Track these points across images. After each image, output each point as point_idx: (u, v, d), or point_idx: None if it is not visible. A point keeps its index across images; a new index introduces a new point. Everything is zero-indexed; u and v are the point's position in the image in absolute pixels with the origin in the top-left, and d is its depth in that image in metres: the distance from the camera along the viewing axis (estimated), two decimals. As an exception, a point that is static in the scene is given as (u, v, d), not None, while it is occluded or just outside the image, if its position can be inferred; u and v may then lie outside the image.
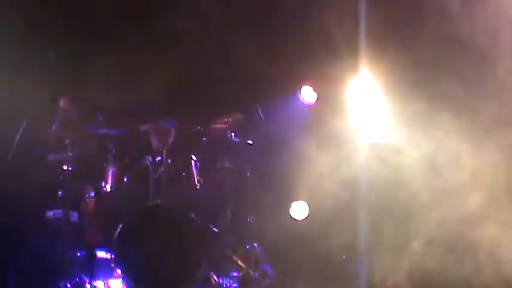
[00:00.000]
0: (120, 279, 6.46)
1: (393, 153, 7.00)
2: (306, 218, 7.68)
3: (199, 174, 7.15)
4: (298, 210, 7.72)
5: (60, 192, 6.79)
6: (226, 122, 7.33)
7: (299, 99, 7.98)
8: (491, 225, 6.38)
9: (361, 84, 7.34)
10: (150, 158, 6.95)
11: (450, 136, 6.58)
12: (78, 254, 6.73)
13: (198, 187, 7.09)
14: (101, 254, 6.68)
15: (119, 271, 6.43)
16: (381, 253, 6.48)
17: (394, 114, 6.94)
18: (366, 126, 7.19)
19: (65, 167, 6.77)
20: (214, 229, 7.16)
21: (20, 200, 6.82)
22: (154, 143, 7.18)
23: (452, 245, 6.46)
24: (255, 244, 7.26)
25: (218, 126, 7.37)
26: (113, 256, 6.48)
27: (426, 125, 6.68)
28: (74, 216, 6.85)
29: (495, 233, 6.35)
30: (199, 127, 7.37)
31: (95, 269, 6.49)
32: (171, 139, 7.26)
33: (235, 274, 7.00)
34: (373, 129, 7.11)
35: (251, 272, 7.03)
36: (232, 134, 7.37)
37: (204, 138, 7.41)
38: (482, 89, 6.65)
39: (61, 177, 6.80)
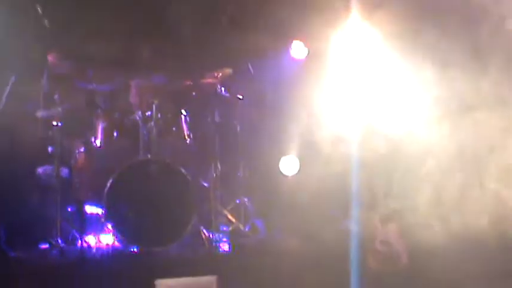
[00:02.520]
0: (111, 234, 6.51)
1: (389, 110, 6.98)
2: (296, 173, 7.73)
3: (189, 129, 7.14)
4: (289, 165, 7.75)
5: (49, 148, 6.78)
6: (216, 77, 7.29)
7: (290, 54, 7.96)
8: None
9: (354, 40, 7.28)
10: (140, 113, 6.92)
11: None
12: (69, 210, 6.78)
13: (188, 142, 7.08)
14: (91, 209, 6.73)
15: (109, 226, 6.47)
16: (371, 211, 6.49)
17: (386, 73, 6.89)
18: (358, 82, 7.14)
19: (54, 123, 6.72)
20: (204, 184, 7.20)
21: (10, 157, 6.82)
22: (144, 97, 7.16)
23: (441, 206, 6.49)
24: (245, 199, 7.31)
25: (208, 81, 7.33)
26: (103, 211, 6.50)
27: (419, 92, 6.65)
28: (64, 172, 6.85)
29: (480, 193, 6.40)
30: (189, 82, 7.33)
31: (86, 224, 6.53)
32: (160, 94, 7.26)
33: (225, 228, 7.06)
34: (366, 85, 7.06)
35: (241, 226, 7.10)
36: (222, 89, 7.34)
37: (193, 93, 7.38)
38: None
39: (50, 133, 6.76)
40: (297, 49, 7.88)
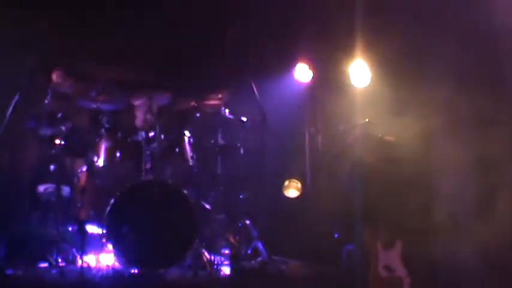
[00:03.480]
0: (112, 255, 6.43)
1: (387, 133, 6.99)
2: (298, 195, 7.70)
3: (192, 150, 7.11)
4: (291, 188, 7.73)
5: (52, 167, 6.74)
6: (220, 99, 7.28)
7: (294, 77, 7.98)
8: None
9: (357, 65, 7.30)
10: (143, 133, 6.90)
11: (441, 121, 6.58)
12: (70, 229, 6.74)
13: (190, 163, 7.05)
14: (93, 229, 6.67)
15: (110, 246, 6.40)
16: (375, 235, 6.45)
17: (388, 96, 6.90)
18: (360, 106, 7.15)
19: (57, 141, 6.71)
20: (207, 206, 7.17)
21: (12, 174, 6.82)
22: (148, 118, 7.15)
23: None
24: (247, 221, 7.26)
25: (212, 102, 7.31)
26: (104, 231, 6.44)
27: (422, 107, 6.65)
28: (66, 191, 6.83)
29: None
30: (193, 103, 7.32)
31: (86, 244, 6.46)
32: (164, 114, 7.26)
33: (226, 251, 7.01)
34: (369, 109, 7.07)
35: (243, 249, 7.04)
36: (226, 111, 7.33)
37: (197, 114, 7.37)
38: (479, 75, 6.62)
39: (53, 152, 6.74)
40: (302, 72, 7.91)
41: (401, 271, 6.29)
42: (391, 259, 6.32)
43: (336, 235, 7.11)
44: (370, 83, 7.32)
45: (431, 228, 6.45)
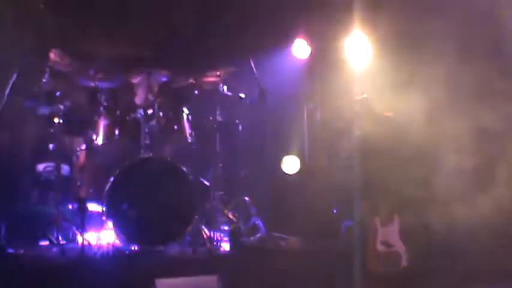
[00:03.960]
0: (112, 232, 6.47)
1: (386, 108, 6.99)
2: (297, 172, 7.72)
3: (191, 128, 7.11)
4: (290, 164, 7.75)
5: (51, 146, 6.76)
6: (218, 76, 7.25)
7: (292, 53, 7.95)
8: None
9: (355, 40, 7.27)
10: (142, 111, 6.90)
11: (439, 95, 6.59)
12: (70, 207, 6.76)
13: (189, 140, 7.05)
14: (92, 206, 6.70)
15: (110, 224, 6.43)
16: (373, 211, 6.49)
17: (388, 72, 6.89)
18: (358, 82, 7.14)
19: (56, 120, 6.73)
20: (206, 183, 7.19)
21: (11, 153, 6.82)
22: (146, 95, 7.15)
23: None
24: (246, 198, 7.29)
25: (210, 79, 7.30)
26: (104, 209, 6.47)
27: (418, 84, 6.65)
28: (65, 169, 6.85)
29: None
30: (191, 80, 7.30)
31: (86, 221, 6.47)
32: (162, 92, 7.25)
33: (226, 227, 7.04)
34: (367, 85, 7.06)
35: (242, 225, 7.08)
36: (225, 88, 7.32)
37: (196, 92, 7.36)
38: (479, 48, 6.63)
39: (52, 130, 6.75)
40: (300, 48, 7.88)
41: (399, 246, 6.34)
42: (389, 235, 6.36)
43: (334, 211, 7.15)
44: (368, 58, 7.30)
45: (430, 202, 6.49)
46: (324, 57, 7.65)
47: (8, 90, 6.50)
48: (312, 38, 7.82)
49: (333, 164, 7.29)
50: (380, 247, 6.34)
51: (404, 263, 6.30)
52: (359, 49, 7.24)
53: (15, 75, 6.53)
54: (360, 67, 7.18)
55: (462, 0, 6.63)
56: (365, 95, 7.04)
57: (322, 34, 7.57)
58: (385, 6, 6.88)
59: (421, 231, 6.38)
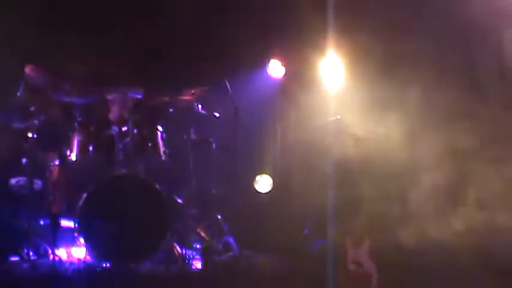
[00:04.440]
0: (83, 248, 6.45)
1: (359, 129, 7.09)
2: (270, 191, 7.77)
3: (165, 145, 7.13)
4: (263, 183, 7.80)
5: (24, 160, 6.72)
6: (193, 94, 7.29)
7: (267, 73, 8.02)
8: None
9: (329, 62, 7.38)
10: (116, 128, 6.90)
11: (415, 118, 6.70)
12: (42, 223, 6.72)
13: (163, 158, 7.06)
14: (65, 222, 6.66)
15: (82, 240, 6.41)
16: (344, 231, 6.54)
17: (360, 94, 7.00)
18: (332, 102, 7.24)
19: (30, 135, 6.70)
20: (179, 200, 7.19)
21: (-17, 167, 6.78)
22: (121, 112, 7.15)
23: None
24: (219, 216, 7.31)
25: (185, 97, 7.33)
26: (76, 225, 6.45)
27: (392, 105, 6.76)
28: (38, 184, 6.81)
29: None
30: (166, 98, 7.32)
31: (58, 237, 6.46)
32: (137, 109, 7.26)
33: (198, 246, 7.04)
34: (340, 106, 7.16)
35: (214, 243, 7.09)
36: (199, 106, 7.36)
37: (170, 109, 7.39)
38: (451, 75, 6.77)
39: (25, 145, 6.72)
40: (275, 68, 7.97)
41: (370, 266, 6.39)
42: (360, 255, 6.41)
43: (306, 230, 7.20)
44: (341, 80, 7.40)
45: (402, 222, 6.57)
46: (298, 77, 7.74)
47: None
48: (286, 59, 7.91)
49: (306, 184, 7.35)
50: (351, 267, 6.39)
51: (374, 283, 6.36)
52: (333, 70, 7.35)
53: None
54: (334, 88, 7.29)
55: (437, 22, 6.76)
56: (338, 116, 7.14)
57: (296, 55, 7.66)
58: (360, 27, 7.00)
59: (392, 252, 6.45)
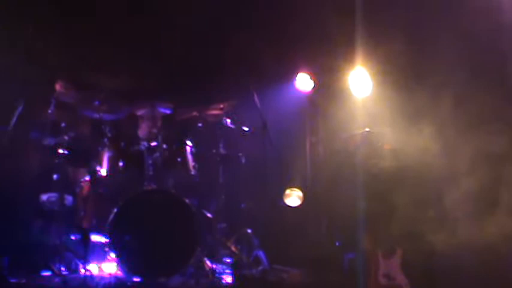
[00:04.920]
0: (114, 263, 6.48)
1: (389, 142, 7.03)
2: (299, 204, 7.73)
3: (194, 160, 7.15)
4: (292, 196, 7.77)
5: (55, 176, 6.79)
6: (221, 108, 7.32)
7: (295, 86, 8.03)
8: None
9: (358, 74, 7.35)
10: (145, 143, 6.94)
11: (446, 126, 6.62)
12: (72, 238, 6.78)
13: (192, 173, 7.08)
14: (95, 237, 6.71)
15: (112, 255, 6.44)
16: (375, 243, 6.47)
17: (390, 105, 6.94)
18: (361, 114, 7.21)
19: (61, 151, 6.77)
20: (208, 215, 7.20)
21: (15, 184, 6.86)
22: (150, 127, 7.20)
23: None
24: (248, 230, 7.29)
25: (214, 112, 7.36)
26: (107, 240, 6.49)
27: (423, 115, 6.70)
28: (69, 200, 6.89)
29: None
30: (195, 113, 7.36)
31: (89, 252, 6.51)
32: (166, 124, 7.30)
33: (228, 260, 7.04)
34: (369, 118, 7.12)
35: (244, 257, 7.08)
36: (228, 120, 7.38)
37: (199, 124, 7.42)
38: (482, 79, 6.68)
39: (56, 161, 6.79)
40: (303, 81, 7.96)
41: (401, 279, 6.32)
42: (391, 267, 6.35)
43: (337, 243, 7.15)
44: (370, 92, 7.37)
45: (433, 234, 6.49)
46: (326, 90, 7.73)
47: (13, 121, 6.57)
48: (315, 72, 7.90)
49: (336, 197, 7.31)
50: (382, 280, 6.32)
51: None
52: (362, 82, 7.32)
53: (21, 107, 6.61)
54: (363, 100, 7.25)
55: (466, 29, 6.68)
56: (367, 129, 7.10)
57: (325, 68, 7.65)
58: (388, 39, 6.95)
59: (423, 264, 6.36)
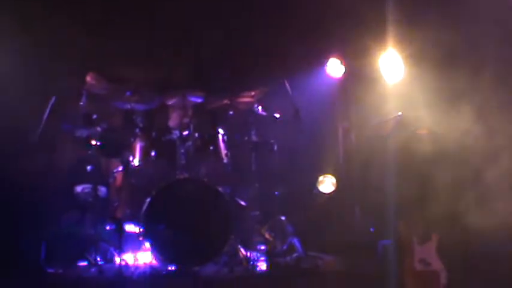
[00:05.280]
0: (149, 252, 6.53)
1: (424, 126, 6.94)
2: (333, 191, 7.70)
3: (226, 148, 7.15)
4: (326, 183, 7.74)
5: (88, 167, 6.85)
6: (252, 96, 7.30)
7: (326, 72, 7.96)
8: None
9: (389, 57, 7.26)
10: (177, 132, 6.96)
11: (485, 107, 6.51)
12: (107, 228, 6.83)
13: (225, 161, 7.08)
14: (130, 227, 6.76)
15: (147, 244, 6.49)
16: (411, 225, 6.40)
17: (420, 89, 6.84)
18: (392, 100, 7.12)
19: (93, 142, 6.82)
20: (242, 202, 7.20)
21: (50, 175, 6.93)
22: (181, 116, 7.22)
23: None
24: (282, 217, 7.28)
25: (245, 99, 7.34)
26: (141, 230, 6.54)
27: (450, 101, 6.59)
28: (102, 190, 6.95)
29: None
30: (226, 101, 7.35)
31: (124, 242, 6.54)
32: (197, 113, 7.31)
33: (262, 247, 7.03)
34: (400, 102, 7.03)
35: (278, 245, 7.07)
36: (259, 108, 7.35)
37: (230, 112, 7.41)
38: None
39: (89, 153, 6.85)
40: (334, 67, 7.90)
41: (437, 264, 6.25)
42: (426, 253, 6.28)
43: (371, 229, 7.09)
44: (403, 75, 7.28)
45: (468, 218, 6.40)
46: (358, 75, 7.65)
47: (46, 113, 6.64)
48: (345, 57, 7.83)
49: (369, 183, 7.25)
50: (418, 266, 6.26)
51: (443, 281, 6.21)
52: (393, 66, 7.23)
53: (53, 99, 6.67)
54: (395, 84, 7.16)
55: (500, 9, 6.53)
56: (400, 113, 7.01)
57: (355, 53, 7.57)
58: (418, 21, 6.84)
59: (459, 248, 6.28)
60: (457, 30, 6.78)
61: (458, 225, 6.30)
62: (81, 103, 6.81)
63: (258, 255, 6.86)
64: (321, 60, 7.91)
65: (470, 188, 6.50)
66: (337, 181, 7.71)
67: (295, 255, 6.98)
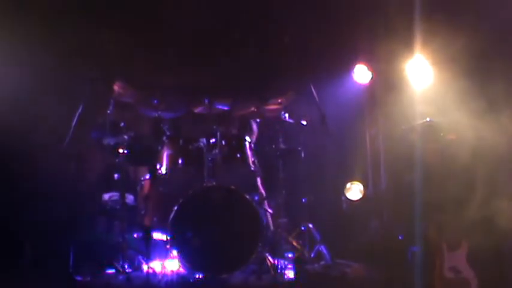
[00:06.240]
0: (176, 260, 6.52)
1: (450, 131, 6.87)
2: (361, 198, 7.65)
3: (253, 155, 7.14)
4: (353, 190, 7.69)
5: (116, 175, 6.91)
6: (279, 103, 7.28)
7: (353, 78, 7.93)
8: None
9: (416, 63, 7.21)
10: (204, 140, 6.95)
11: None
12: (135, 236, 6.85)
13: (252, 168, 7.07)
14: (157, 235, 6.76)
15: (174, 252, 6.48)
16: (441, 232, 6.33)
17: (449, 94, 6.77)
18: (421, 106, 7.06)
19: (121, 150, 6.84)
20: (269, 210, 7.18)
21: (78, 183, 6.97)
22: (208, 124, 7.22)
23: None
24: (310, 225, 7.25)
25: (272, 107, 7.33)
26: (168, 237, 6.53)
27: (480, 106, 6.51)
28: (130, 198, 6.99)
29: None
30: (252, 108, 7.34)
31: (151, 250, 6.56)
32: (225, 120, 7.31)
33: (290, 255, 7.01)
34: (428, 108, 6.97)
35: (306, 253, 7.04)
36: (286, 115, 7.33)
37: (257, 120, 7.40)
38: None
39: (117, 160, 6.88)
40: (361, 73, 7.86)
41: (468, 272, 6.17)
42: (457, 260, 6.20)
43: (400, 237, 7.03)
44: (430, 81, 7.22)
45: (499, 224, 6.31)
46: (385, 81, 7.60)
47: (74, 121, 6.68)
48: (372, 63, 7.79)
49: (397, 189, 7.19)
50: (448, 273, 6.18)
51: (474, 289, 6.13)
52: (421, 72, 7.17)
53: (81, 107, 6.71)
54: (422, 90, 7.10)
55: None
56: (428, 119, 6.95)
57: (383, 58, 7.52)
58: (445, 27, 6.78)
59: (491, 256, 6.19)
60: (489, 33, 6.71)
61: (491, 232, 6.21)
62: (109, 111, 6.85)
63: (286, 263, 6.80)
64: (348, 67, 7.88)
65: (502, 194, 6.41)
66: (364, 188, 7.65)
67: (323, 262, 6.95)
